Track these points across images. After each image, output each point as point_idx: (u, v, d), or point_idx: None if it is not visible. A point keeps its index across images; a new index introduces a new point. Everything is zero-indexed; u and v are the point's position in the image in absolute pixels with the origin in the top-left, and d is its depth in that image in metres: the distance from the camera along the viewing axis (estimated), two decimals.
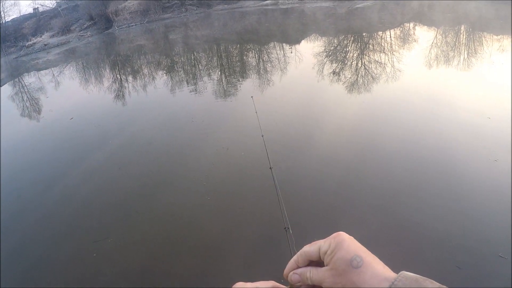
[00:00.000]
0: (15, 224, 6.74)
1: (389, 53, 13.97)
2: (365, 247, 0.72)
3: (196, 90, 12.76)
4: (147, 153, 8.70)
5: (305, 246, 0.75)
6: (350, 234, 0.73)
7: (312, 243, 0.73)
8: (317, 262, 0.73)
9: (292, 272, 0.75)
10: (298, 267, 0.75)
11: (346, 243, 0.69)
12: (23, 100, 16.23)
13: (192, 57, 19.80)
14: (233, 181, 7.22)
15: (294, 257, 0.76)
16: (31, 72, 24.50)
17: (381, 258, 0.71)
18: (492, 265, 4.97)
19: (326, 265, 0.69)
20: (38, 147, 10.22)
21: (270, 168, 3.82)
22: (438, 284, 0.62)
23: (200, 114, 10.34)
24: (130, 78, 17.10)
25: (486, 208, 6.03)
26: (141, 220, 6.36)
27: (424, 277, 0.64)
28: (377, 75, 11.52)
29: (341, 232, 0.72)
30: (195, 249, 5.67)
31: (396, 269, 0.68)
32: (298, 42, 18.75)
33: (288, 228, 3.09)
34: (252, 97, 6.09)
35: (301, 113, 9.65)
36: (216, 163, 7.83)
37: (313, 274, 0.71)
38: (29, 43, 45.88)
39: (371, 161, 7.49)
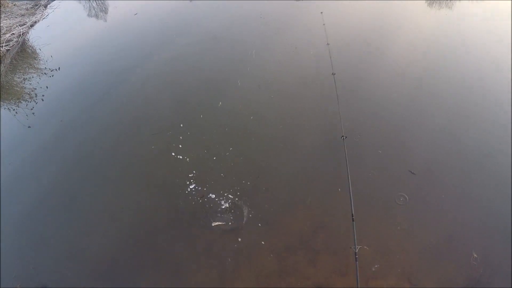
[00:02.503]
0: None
1: None
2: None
3: None
4: (212, 49, 8.81)
5: None
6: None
7: None
8: None
9: None
10: None
11: None
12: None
13: None
14: (297, 83, 7.27)
15: None
16: None
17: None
18: None
19: None
20: (104, 44, 10.60)
21: (332, 74, 3.77)
22: None
23: (269, 12, 10.18)
24: None
25: None
26: (207, 114, 6.76)
27: None
28: None
29: None
30: (259, 141, 6.04)
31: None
32: None
33: (345, 137, 3.19)
34: (321, 12, 5.78)
35: (374, 24, 9.20)
36: (283, 62, 7.90)
37: None
38: None
39: (442, 81, 7.10)
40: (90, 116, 7.26)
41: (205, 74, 7.84)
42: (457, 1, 9.98)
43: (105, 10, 14.05)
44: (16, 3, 14.80)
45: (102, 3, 15.26)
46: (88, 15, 13.82)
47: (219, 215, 4.95)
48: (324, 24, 5.60)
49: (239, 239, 4.65)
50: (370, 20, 9.40)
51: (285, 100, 6.81)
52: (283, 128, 6.18)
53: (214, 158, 5.77)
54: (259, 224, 4.78)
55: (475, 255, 4.35)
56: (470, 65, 7.46)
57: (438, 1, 10.06)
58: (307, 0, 10.81)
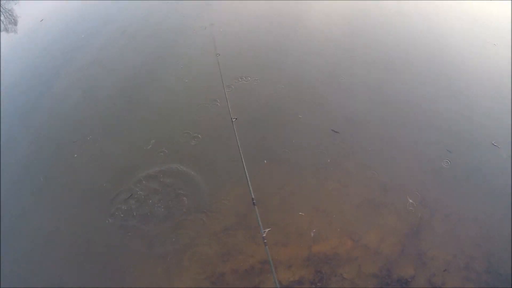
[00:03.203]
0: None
1: None
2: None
3: None
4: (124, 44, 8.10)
5: None
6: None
7: None
8: None
9: None
10: None
11: None
12: None
13: None
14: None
15: None
16: None
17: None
18: (484, 152, 4.92)
19: None
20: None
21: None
22: None
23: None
24: None
25: (481, 93, 5.83)
26: None
27: None
28: None
29: None
30: None
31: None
32: None
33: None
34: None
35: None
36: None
37: None
38: None
39: (363, 38, 7.14)
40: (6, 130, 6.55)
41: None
42: None
43: (14, 22, 13.15)
44: None
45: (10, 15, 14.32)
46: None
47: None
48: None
49: None
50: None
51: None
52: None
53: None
54: None
55: (410, 201, 4.28)
56: (387, 22, 7.60)
57: None
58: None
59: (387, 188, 4.46)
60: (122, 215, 4.51)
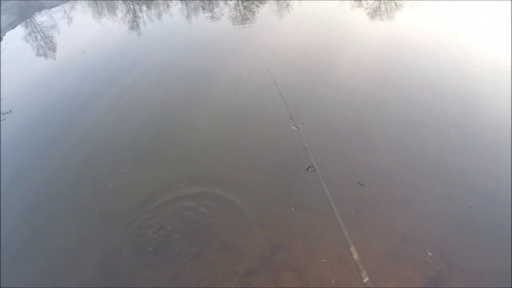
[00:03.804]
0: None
1: None
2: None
3: (212, 17, 12.50)
4: (162, 84, 8.86)
5: None
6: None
7: None
8: None
9: None
10: None
11: None
12: (36, 39, 16.23)
13: None
14: (245, 108, 7.40)
15: None
16: (42, 11, 24.24)
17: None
18: (505, 209, 5.02)
19: None
20: (53, 83, 10.36)
21: (279, 94, 3.70)
22: None
23: (214, 41, 10.47)
24: (144, 8, 16.74)
25: (507, 151, 5.97)
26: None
27: None
28: (401, 3, 11.04)
29: None
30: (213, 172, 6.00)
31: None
32: None
33: (307, 149, 3.20)
34: (268, 70, 5.85)
35: (318, 40, 9.51)
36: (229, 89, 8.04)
37: None
38: None
39: (391, 90, 7.42)
40: (46, 157, 7.07)
41: (155, 109, 7.88)
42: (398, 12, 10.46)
43: (53, 49, 13.97)
44: None
45: (49, 41, 15.18)
46: (37, 54, 13.69)
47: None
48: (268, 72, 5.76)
49: None
50: (317, 33, 9.71)
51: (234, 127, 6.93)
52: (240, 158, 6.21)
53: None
54: None
55: (429, 254, 4.44)
56: (416, 76, 7.74)
57: (379, 14, 10.54)
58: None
59: (407, 241, 4.64)
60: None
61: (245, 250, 4.69)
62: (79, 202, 5.93)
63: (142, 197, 5.64)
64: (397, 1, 11.25)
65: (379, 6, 11.06)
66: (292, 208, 5.13)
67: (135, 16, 15.66)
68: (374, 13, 10.71)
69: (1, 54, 13.80)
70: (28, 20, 22.40)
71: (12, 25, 22.13)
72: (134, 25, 14.25)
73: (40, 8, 25.74)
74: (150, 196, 5.62)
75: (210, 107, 7.51)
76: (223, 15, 12.42)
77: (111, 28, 14.81)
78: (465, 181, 5.40)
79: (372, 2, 11.40)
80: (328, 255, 4.53)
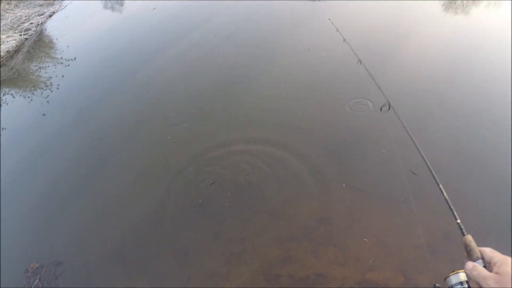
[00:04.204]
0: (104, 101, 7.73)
1: None
2: None
3: None
4: (228, 46, 9.02)
5: (488, 248, 1.22)
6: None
7: (493, 250, 1.20)
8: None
9: (469, 261, 1.21)
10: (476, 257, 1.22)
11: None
12: None
13: None
14: (314, 80, 7.49)
15: (479, 247, 1.25)
16: None
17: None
18: None
19: (492, 271, 1.11)
20: (120, 36, 10.89)
21: (359, 62, 3.75)
22: None
23: (284, 13, 10.44)
24: None
25: None
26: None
27: None
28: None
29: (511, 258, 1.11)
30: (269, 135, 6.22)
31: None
32: None
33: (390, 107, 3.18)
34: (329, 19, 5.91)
35: (389, 25, 9.46)
36: (296, 62, 8.07)
37: (482, 270, 1.14)
38: None
39: (454, 85, 7.13)
40: (106, 105, 7.55)
41: (220, 69, 8.15)
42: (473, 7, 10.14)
43: (120, 3, 14.42)
44: None
45: None
46: (104, 7, 14.20)
47: None
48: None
49: None
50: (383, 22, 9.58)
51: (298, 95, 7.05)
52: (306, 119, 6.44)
53: None
54: None
55: None
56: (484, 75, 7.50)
57: (454, 6, 10.26)
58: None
59: (449, 237, 4.72)
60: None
61: (292, 219, 4.95)
62: (136, 151, 6.36)
63: (200, 150, 5.98)
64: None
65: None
66: (344, 185, 5.30)
67: None
68: (449, 6, 10.41)
69: (71, 3, 14.44)
70: None
71: None
72: None
73: None
74: (208, 149, 5.97)
75: (275, 75, 7.66)
76: None
77: None
78: None
79: None
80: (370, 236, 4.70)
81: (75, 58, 9.63)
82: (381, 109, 3.39)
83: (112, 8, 14.08)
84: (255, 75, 7.76)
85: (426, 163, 2.02)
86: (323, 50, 8.18)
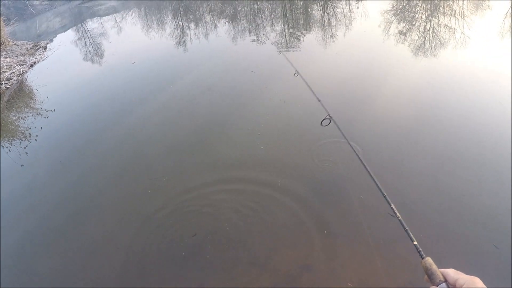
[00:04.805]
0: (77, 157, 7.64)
1: (460, 18, 13.36)
2: None
3: (258, 41, 13.03)
4: (206, 99, 9.18)
5: (451, 270, 1.17)
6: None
7: (457, 271, 1.14)
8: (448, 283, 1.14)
9: (432, 286, 1.18)
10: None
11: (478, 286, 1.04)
12: (85, 45, 17.19)
13: (255, 7, 19.84)
14: (287, 132, 7.55)
15: (441, 269, 1.21)
16: (94, 18, 25.62)
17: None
18: None
19: None
20: (100, 88, 11.05)
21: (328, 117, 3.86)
22: None
23: (260, 66, 10.80)
24: (192, 25, 17.50)
25: None
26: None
27: None
28: (446, 40, 11.26)
29: (478, 279, 1.07)
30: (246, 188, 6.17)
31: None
32: None
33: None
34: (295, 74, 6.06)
35: (361, 72, 9.81)
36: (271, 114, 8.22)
37: None
38: None
39: (427, 127, 7.39)
40: (84, 157, 7.51)
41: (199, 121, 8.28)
42: (441, 50, 10.67)
43: (100, 55, 14.83)
44: (17, 42, 15.47)
45: (98, 48, 16.11)
46: (84, 59, 14.55)
47: None
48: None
49: None
50: (361, 65, 10.01)
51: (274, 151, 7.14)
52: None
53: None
54: None
55: None
56: (454, 116, 7.79)
57: (423, 50, 10.79)
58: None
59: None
60: None
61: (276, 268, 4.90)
62: (115, 203, 6.28)
63: (180, 201, 5.96)
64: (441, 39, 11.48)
65: (423, 43, 11.31)
66: (325, 231, 5.32)
67: (182, 32, 16.39)
68: (418, 50, 10.99)
69: (53, 55, 14.70)
70: (79, 25, 23.72)
71: (64, 28, 23.51)
72: (181, 41, 14.94)
73: (92, 15, 27.25)
74: (188, 200, 5.95)
75: (252, 126, 7.79)
76: (268, 39, 12.94)
77: (158, 41, 15.57)
78: (491, 221, 5.40)
79: (417, 38, 11.68)
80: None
81: (54, 110, 9.68)
82: (321, 122, 3.56)
83: (92, 60, 14.42)
84: (233, 125, 7.93)
85: (377, 184, 2.13)
86: (298, 102, 8.45)
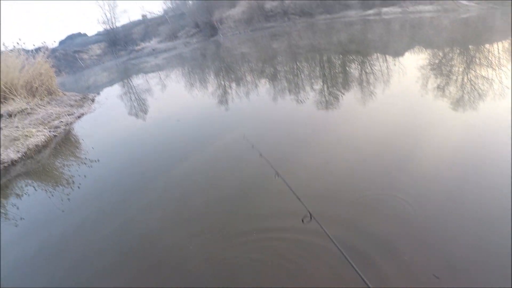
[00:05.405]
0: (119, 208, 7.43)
1: (496, 68, 12.85)
2: None
3: (298, 100, 12.95)
4: (249, 159, 8.77)
5: None
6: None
7: None
8: None
9: None
10: None
11: None
12: (131, 100, 17.86)
13: (295, 67, 20.13)
14: None
15: None
16: (139, 75, 26.98)
17: None
18: None
19: None
20: (144, 142, 11.21)
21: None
22: None
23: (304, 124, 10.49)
24: (233, 85, 17.96)
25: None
26: None
27: None
28: (484, 92, 10.77)
29: None
30: None
31: None
32: (402, 54, 18.03)
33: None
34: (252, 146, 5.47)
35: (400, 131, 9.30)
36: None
37: None
38: (138, 47, 51.08)
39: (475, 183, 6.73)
40: (125, 208, 7.32)
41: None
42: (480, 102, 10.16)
43: (144, 111, 15.28)
44: (67, 93, 16.31)
45: (142, 103, 16.67)
46: (129, 113, 15.03)
47: None
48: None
49: None
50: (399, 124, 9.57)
51: None
52: None
53: None
54: None
55: None
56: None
57: (463, 104, 10.28)
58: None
59: None
60: None
61: None
62: (156, 257, 5.91)
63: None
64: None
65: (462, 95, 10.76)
66: None
67: (225, 91, 16.72)
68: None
69: (100, 108, 15.29)
70: (125, 80, 24.94)
71: (111, 83, 24.83)
72: (223, 100, 15.13)
73: (138, 72, 28.75)
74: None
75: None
76: (308, 98, 12.84)
77: (201, 99, 15.89)
78: None
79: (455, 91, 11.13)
80: None
81: (98, 160, 9.82)
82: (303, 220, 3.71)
83: (136, 115, 14.87)
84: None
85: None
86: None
